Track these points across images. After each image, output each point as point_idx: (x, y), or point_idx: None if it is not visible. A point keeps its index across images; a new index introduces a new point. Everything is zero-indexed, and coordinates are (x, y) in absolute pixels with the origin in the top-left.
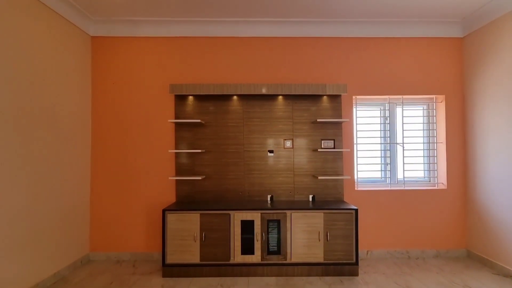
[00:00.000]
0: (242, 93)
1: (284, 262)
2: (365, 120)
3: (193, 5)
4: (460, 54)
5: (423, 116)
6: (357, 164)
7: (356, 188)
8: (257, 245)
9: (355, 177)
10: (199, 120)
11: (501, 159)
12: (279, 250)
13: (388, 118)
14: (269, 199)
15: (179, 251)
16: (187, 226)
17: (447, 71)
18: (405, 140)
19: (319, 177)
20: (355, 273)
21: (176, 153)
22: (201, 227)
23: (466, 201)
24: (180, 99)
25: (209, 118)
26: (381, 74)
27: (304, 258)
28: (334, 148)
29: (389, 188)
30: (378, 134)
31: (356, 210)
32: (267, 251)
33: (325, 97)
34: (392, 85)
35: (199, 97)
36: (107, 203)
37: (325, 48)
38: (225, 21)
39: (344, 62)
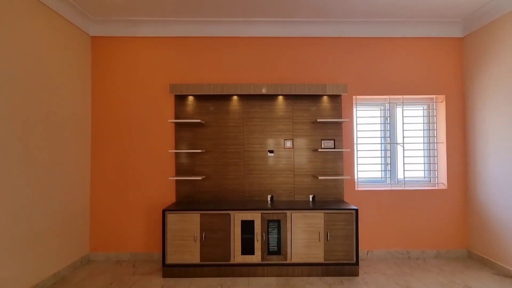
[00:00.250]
0: (242, 93)
1: (285, 262)
2: (365, 120)
3: (193, 5)
4: (460, 54)
5: (423, 116)
6: (357, 164)
7: (356, 188)
8: (257, 245)
9: (355, 177)
10: (199, 120)
11: (501, 159)
12: (279, 250)
13: (388, 118)
14: (269, 199)
15: (179, 251)
16: (187, 226)
17: (447, 71)
18: (405, 140)
19: (319, 177)
20: (355, 274)
21: (176, 153)
22: (201, 227)
23: (467, 201)
24: (180, 99)
25: (209, 118)
26: (381, 74)
27: (304, 258)
28: (334, 148)
29: (389, 188)
30: (378, 134)
31: (357, 210)
32: (267, 251)
33: (325, 97)
34: (392, 85)
35: (199, 97)
36: (107, 203)
37: (325, 48)
38: (225, 21)
39: (344, 62)
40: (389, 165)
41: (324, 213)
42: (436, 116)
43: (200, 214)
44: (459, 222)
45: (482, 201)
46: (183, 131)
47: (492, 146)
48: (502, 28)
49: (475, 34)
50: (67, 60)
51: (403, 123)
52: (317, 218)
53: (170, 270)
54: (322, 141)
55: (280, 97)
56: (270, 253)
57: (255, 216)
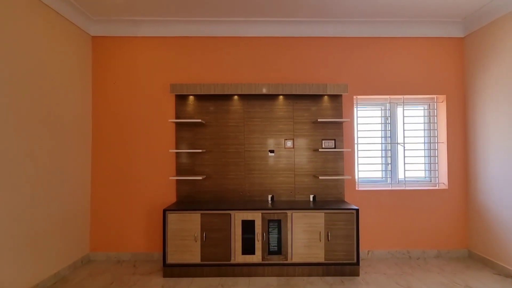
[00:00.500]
0: (242, 93)
1: (285, 262)
2: (366, 120)
3: (193, 5)
4: (461, 54)
5: (424, 116)
6: (358, 164)
7: (357, 188)
8: (258, 245)
9: (356, 177)
10: (199, 120)
11: (502, 158)
12: (279, 250)
13: (389, 118)
14: (269, 199)
15: (179, 251)
16: (188, 226)
17: (448, 71)
18: (406, 140)
19: (320, 177)
20: (356, 273)
21: (176, 153)
22: (202, 227)
23: (467, 201)
24: (181, 98)
25: (209, 118)
26: (382, 74)
27: (305, 258)
28: (335, 148)
29: (390, 188)
30: (379, 134)
31: (357, 210)
32: (268, 251)
33: (325, 97)
34: (393, 85)
35: (199, 97)
36: (107, 202)
37: (326, 47)
38: (226, 20)
39: (345, 62)
40: (389, 165)
41: (325, 213)
42: (436, 116)
43: (201, 214)
44: (460, 222)
45: (483, 201)
46: (184, 130)
47: (493, 146)
48: (502, 28)
49: (475, 34)
50: (68, 60)
51: (403, 123)
52: (318, 218)
53: (171, 270)
54: (323, 141)
55: (281, 97)
56: (270, 253)
57: (256, 216)
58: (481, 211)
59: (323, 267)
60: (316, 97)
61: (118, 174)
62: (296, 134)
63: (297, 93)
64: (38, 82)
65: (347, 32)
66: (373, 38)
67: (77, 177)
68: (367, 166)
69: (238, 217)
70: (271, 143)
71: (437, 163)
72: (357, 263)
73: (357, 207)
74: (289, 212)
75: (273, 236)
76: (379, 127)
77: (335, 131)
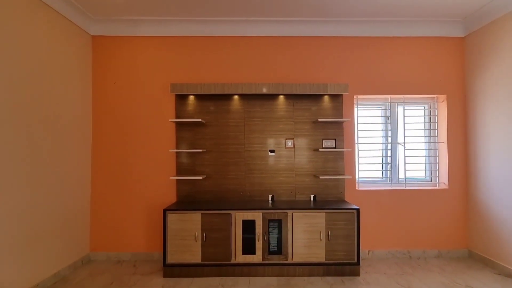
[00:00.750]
0: (243, 92)
1: (285, 262)
2: (366, 119)
3: (193, 5)
4: (461, 53)
5: (425, 116)
6: (358, 164)
7: (357, 188)
8: (258, 245)
9: (356, 177)
10: (199, 120)
11: (502, 158)
12: (280, 250)
13: (389, 118)
14: (270, 199)
15: (180, 251)
16: (188, 226)
17: (448, 71)
18: (407, 139)
19: (320, 177)
20: (356, 273)
21: (176, 152)
22: (202, 227)
23: (468, 201)
24: (181, 98)
25: (209, 118)
26: (383, 73)
27: (305, 258)
28: (335, 147)
29: (390, 188)
30: (379, 133)
31: (358, 210)
32: (268, 251)
33: (326, 96)
34: (394, 84)
35: (199, 97)
36: (107, 202)
37: (327, 47)
38: (226, 20)
39: (345, 61)
40: (390, 165)
41: (325, 212)
42: (437, 115)
43: (201, 213)
44: (460, 221)
45: (483, 200)
46: (184, 130)
47: (493, 146)
48: (503, 28)
49: (476, 33)
50: (68, 59)
51: (404, 123)
52: (318, 217)
53: (171, 270)
54: (323, 141)
55: (281, 97)
56: (271, 252)
57: (256, 216)
58: (481, 211)
59: (324, 267)
60: (317, 97)
61: (118, 174)
62: (296, 134)
63: (298, 92)
64: (38, 81)
65: (347, 32)
66: (373, 37)
67: (77, 177)
68: (367, 166)
69: (239, 217)
70: (271, 143)
71: (438, 163)
72: (358, 263)
73: (357, 207)
74: (289, 212)
75: (274, 236)
76: (379, 126)
77: (335, 131)
